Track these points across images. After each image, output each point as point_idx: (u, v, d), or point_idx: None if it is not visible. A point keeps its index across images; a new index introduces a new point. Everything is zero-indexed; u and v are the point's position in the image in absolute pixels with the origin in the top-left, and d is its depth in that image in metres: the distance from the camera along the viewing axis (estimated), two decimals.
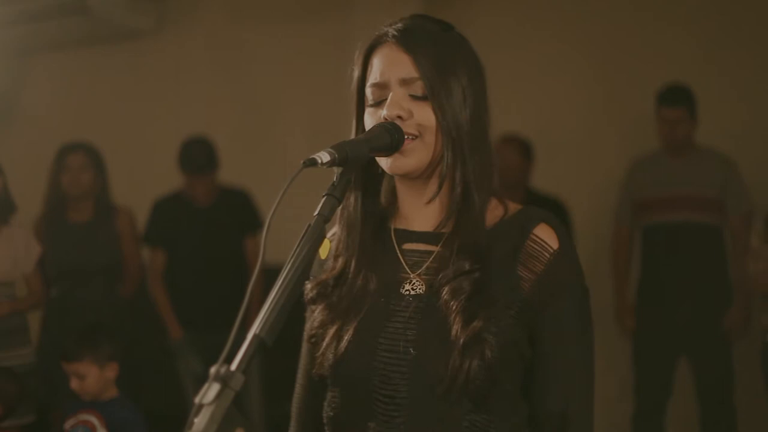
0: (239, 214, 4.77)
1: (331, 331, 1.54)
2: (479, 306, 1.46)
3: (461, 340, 1.44)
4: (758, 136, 4.79)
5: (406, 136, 1.49)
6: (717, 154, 4.51)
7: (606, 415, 4.80)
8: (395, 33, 1.52)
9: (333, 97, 4.73)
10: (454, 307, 1.46)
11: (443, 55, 1.51)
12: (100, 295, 4.59)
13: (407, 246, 1.57)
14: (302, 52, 5.52)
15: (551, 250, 1.49)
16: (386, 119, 1.49)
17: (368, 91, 1.54)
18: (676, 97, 4.48)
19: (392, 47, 1.52)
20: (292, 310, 1.31)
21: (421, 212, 1.56)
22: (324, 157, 1.38)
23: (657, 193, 4.53)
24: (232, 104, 5.54)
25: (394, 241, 1.58)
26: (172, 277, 4.75)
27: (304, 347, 1.66)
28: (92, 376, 3.21)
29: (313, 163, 1.37)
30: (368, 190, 1.60)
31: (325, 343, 1.55)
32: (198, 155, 4.76)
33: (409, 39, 1.51)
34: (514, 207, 1.56)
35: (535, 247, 1.50)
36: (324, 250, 1.39)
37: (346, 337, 1.52)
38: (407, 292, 1.53)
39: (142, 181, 5.56)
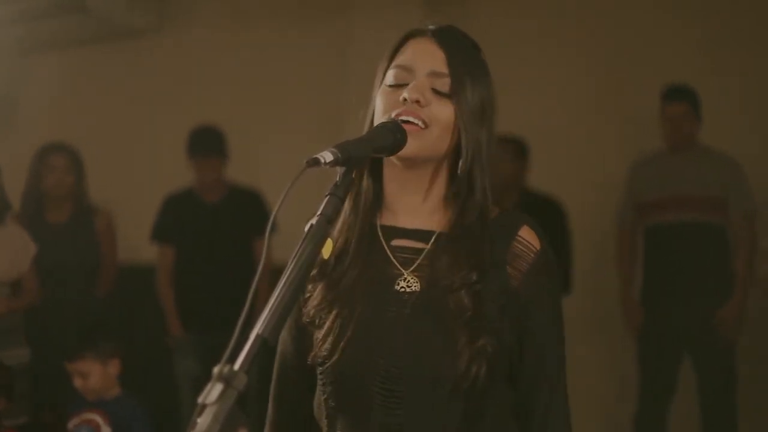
0: (250, 214, 4.72)
1: (330, 319, 1.56)
2: (483, 322, 1.51)
3: (467, 354, 1.49)
4: (763, 135, 4.78)
5: (413, 120, 1.50)
6: (720, 153, 4.51)
7: (607, 414, 4.83)
8: (434, 29, 1.58)
9: (334, 96, 4.75)
10: (459, 322, 1.51)
11: (473, 64, 1.58)
12: (79, 294, 4.56)
13: (395, 242, 1.59)
14: (302, 51, 5.51)
15: (535, 250, 1.57)
16: (405, 100, 1.52)
17: (390, 72, 1.57)
18: (680, 94, 4.52)
19: (429, 41, 1.57)
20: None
21: (410, 208, 1.59)
22: (327, 156, 1.38)
23: (660, 193, 4.53)
24: (232, 104, 5.53)
25: (381, 237, 1.59)
26: (178, 275, 4.74)
27: (289, 334, 1.65)
28: (95, 374, 3.22)
29: (316, 162, 1.37)
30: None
31: (323, 332, 1.56)
32: (205, 139, 4.76)
33: (446, 38, 1.57)
34: (494, 210, 1.60)
35: (521, 247, 1.57)
36: (327, 250, 1.38)
37: (347, 332, 1.53)
38: (402, 289, 1.55)
39: (141, 180, 5.56)
